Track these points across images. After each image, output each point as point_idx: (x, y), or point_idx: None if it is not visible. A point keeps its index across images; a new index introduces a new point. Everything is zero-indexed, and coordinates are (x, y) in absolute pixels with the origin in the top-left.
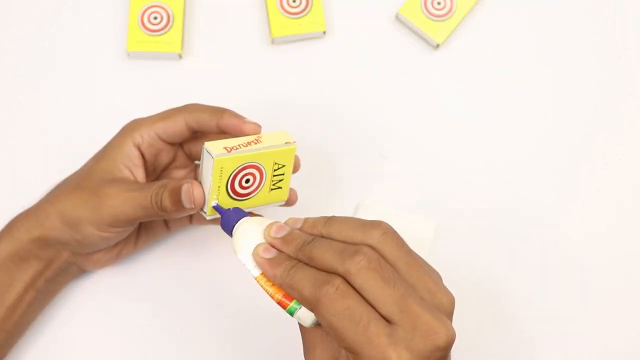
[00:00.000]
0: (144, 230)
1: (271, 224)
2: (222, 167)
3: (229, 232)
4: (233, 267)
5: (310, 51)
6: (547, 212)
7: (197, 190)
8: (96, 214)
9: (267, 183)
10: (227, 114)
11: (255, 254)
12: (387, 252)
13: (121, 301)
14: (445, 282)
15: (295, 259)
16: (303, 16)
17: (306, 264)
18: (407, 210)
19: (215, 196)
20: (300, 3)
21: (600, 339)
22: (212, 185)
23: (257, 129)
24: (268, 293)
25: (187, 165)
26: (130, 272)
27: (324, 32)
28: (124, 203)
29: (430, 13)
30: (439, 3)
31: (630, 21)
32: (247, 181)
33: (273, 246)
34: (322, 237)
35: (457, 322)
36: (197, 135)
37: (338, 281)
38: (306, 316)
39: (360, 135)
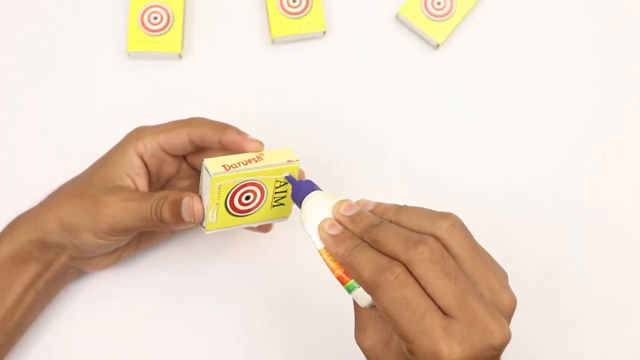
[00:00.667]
0: (146, 233)
1: (342, 201)
2: (219, 185)
3: (299, 203)
4: (233, 269)
5: (310, 51)
6: (547, 212)
7: (197, 205)
8: (94, 221)
9: (268, 200)
10: (230, 130)
11: (320, 229)
12: (454, 245)
13: (121, 302)
14: None
15: (359, 239)
16: (303, 16)
17: (370, 246)
18: None
19: (213, 212)
20: (300, 3)
21: (601, 339)
22: (209, 202)
23: (259, 146)
24: (329, 267)
25: (191, 176)
26: (130, 273)
27: (324, 32)
28: (122, 212)
29: (430, 13)
30: (439, 3)
31: (630, 21)
32: (248, 198)
33: (340, 223)
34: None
35: None
36: (200, 149)
37: (399, 269)
38: (363, 296)
39: (360, 135)
